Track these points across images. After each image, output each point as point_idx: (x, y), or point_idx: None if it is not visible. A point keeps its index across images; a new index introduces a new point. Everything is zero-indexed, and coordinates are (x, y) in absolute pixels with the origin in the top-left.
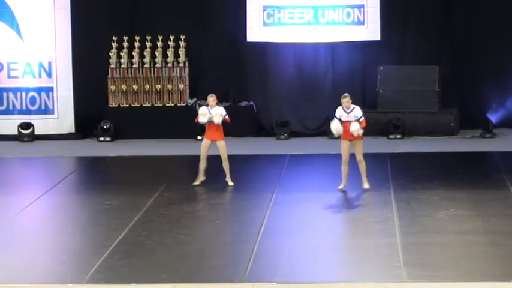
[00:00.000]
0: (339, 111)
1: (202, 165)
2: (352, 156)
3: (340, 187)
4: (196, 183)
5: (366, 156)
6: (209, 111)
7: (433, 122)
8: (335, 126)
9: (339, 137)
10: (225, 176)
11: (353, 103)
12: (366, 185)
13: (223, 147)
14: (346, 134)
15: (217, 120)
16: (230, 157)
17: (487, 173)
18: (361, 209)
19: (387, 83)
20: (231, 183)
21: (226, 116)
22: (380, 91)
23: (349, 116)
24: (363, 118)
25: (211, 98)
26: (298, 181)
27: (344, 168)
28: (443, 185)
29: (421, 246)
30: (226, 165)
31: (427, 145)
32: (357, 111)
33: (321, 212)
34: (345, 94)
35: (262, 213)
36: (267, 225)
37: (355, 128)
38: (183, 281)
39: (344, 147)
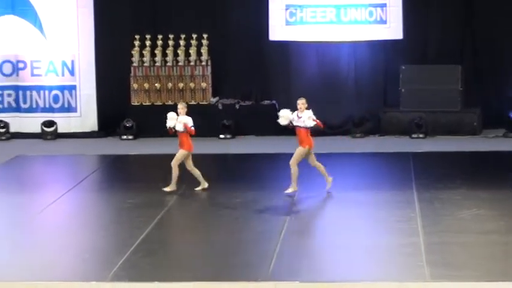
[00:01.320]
0: (287, 113)
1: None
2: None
3: (290, 191)
4: (167, 189)
5: (389, 155)
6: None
7: (455, 122)
8: (284, 114)
9: (285, 127)
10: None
11: (375, 102)
12: (329, 182)
13: (178, 156)
14: (302, 142)
15: (179, 128)
16: (254, 156)
17: (510, 172)
18: (384, 209)
19: (410, 82)
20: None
21: (192, 127)
22: (402, 90)
23: (299, 120)
24: (312, 123)
25: (181, 106)
26: (320, 180)
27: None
28: (466, 184)
29: (444, 245)
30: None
31: (450, 144)
32: (305, 115)
33: (343, 211)
34: (301, 97)
35: (285, 212)
36: (289, 224)
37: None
38: (205, 279)
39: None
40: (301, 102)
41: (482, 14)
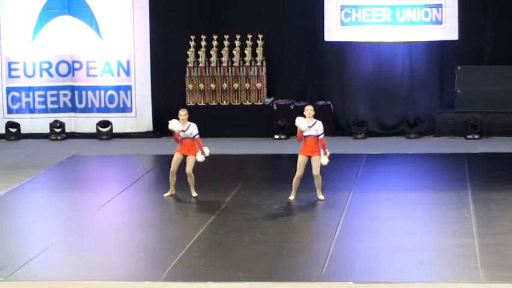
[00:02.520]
0: (303, 123)
1: (173, 179)
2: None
3: (291, 198)
4: (167, 194)
5: (444, 156)
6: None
7: (511, 122)
8: (301, 122)
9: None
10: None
11: (430, 103)
12: (321, 196)
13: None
14: (306, 149)
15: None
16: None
17: None
18: (438, 209)
19: (465, 83)
20: (194, 194)
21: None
22: (458, 91)
23: (311, 129)
24: (323, 135)
25: (183, 113)
26: (375, 181)
27: (296, 182)
28: None
29: (499, 247)
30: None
31: (505, 145)
32: (319, 126)
33: (397, 212)
34: (309, 105)
35: (339, 213)
36: (343, 225)
37: (325, 162)
38: (259, 280)
39: (301, 162)
40: (311, 109)
41: None
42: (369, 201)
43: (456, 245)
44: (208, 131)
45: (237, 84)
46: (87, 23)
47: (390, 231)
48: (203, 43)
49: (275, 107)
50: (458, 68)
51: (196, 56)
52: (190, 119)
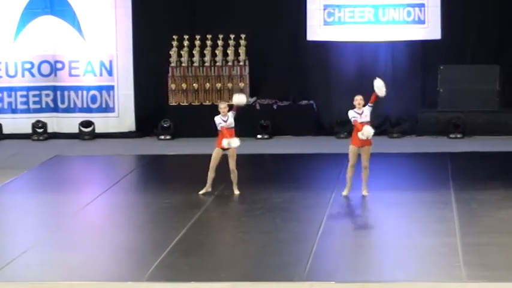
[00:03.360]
0: (353, 113)
1: (212, 175)
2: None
3: (344, 193)
4: (202, 192)
5: (426, 155)
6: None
7: (493, 122)
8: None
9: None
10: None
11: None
12: (365, 192)
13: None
14: (357, 140)
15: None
16: (291, 156)
17: None
18: (420, 209)
19: (448, 82)
20: (236, 192)
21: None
22: (440, 90)
23: (362, 117)
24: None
25: (223, 106)
26: (357, 180)
27: (350, 172)
28: (504, 185)
29: (481, 246)
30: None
31: (488, 145)
32: (367, 112)
33: (380, 211)
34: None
35: (321, 212)
36: (326, 224)
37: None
38: (242, 280)
39: (354, 152)
40: (360, 99)
41: None
42: (352, 201)
43: (439, 244)
44: (191, 131)
45: (219, 84)
46: (70, 23)
47: (373, 231)
48: (186, 43)
49: (258, 107)
50: (441, 67)
51: (179, 55)
52: (172, 119)
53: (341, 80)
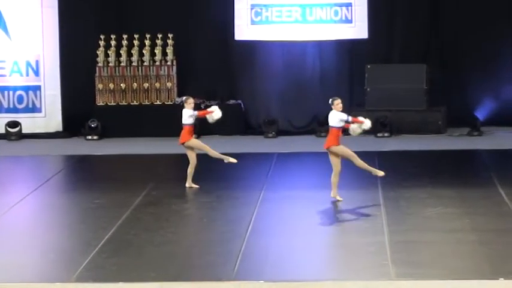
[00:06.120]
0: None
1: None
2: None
3: (332, 195)
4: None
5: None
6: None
7: (420, 120)
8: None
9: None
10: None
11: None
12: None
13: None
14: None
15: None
16: None
17: (474, 171)
18: (348, 207)
19: (375, 82)
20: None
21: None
22: (368, 89)
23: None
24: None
25: (191, 101)
26: (286, 179)
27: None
28: (431, 183)
29: (409, 244)
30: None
31: (415, 143)
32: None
33: (308, 210)
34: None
35: (250, 212)
36: (255, 224)
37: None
38: (170, 280)
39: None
40: (341, 102)
41: (447, 14)
42: (280, 200)
43: (367, 242)
44: (119, 131)
45: (147, 84)
46: None
47: (301, 230)
48: (113, 42)
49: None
50: (368, 66)
51: (106, 55)
52: (99, 119)
53: (269, 80)
